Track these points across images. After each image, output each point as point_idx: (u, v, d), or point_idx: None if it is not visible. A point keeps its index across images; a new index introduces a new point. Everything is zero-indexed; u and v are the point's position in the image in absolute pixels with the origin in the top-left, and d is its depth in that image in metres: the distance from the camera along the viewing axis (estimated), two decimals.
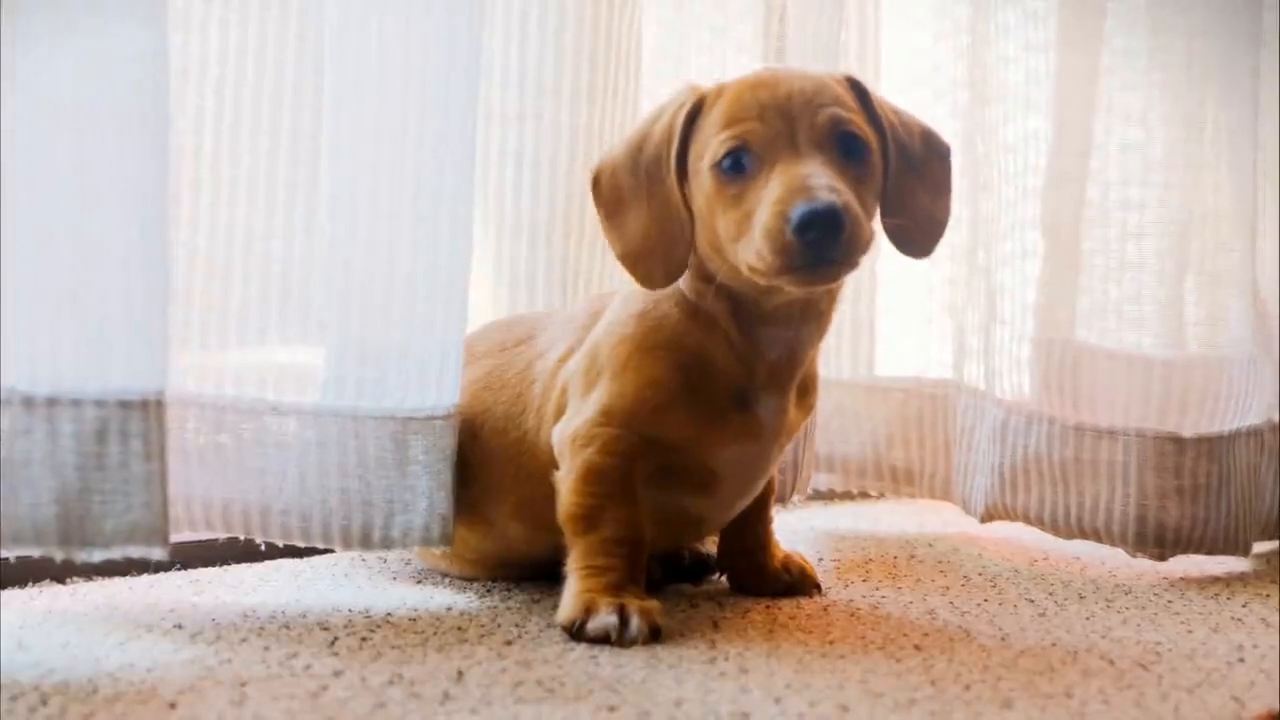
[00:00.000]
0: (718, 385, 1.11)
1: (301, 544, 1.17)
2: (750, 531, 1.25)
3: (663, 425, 1.11)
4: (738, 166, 1.05)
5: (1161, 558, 1.41)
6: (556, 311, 1.30)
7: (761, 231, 1.01)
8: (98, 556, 0.99)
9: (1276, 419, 1.50)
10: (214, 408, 1.14)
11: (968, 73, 1.54)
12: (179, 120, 1.15)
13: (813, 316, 1.12)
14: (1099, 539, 1.42)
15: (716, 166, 1.05)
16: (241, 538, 1.17)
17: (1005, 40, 1.49)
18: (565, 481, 1.12)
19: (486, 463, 1.19)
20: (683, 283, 1.12)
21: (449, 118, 1.15)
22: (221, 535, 1.17)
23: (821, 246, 0.99)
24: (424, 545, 1.17)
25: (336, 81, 1.15)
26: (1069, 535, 1.44)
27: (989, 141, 1.50)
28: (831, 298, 1.14)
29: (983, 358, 1.50)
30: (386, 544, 1.16)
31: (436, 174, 1.15)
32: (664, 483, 1.13)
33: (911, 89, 1.61)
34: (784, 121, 1.05)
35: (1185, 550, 1.41)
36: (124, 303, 0.99)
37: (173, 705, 0.87)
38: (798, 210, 0.99)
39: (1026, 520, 1.46)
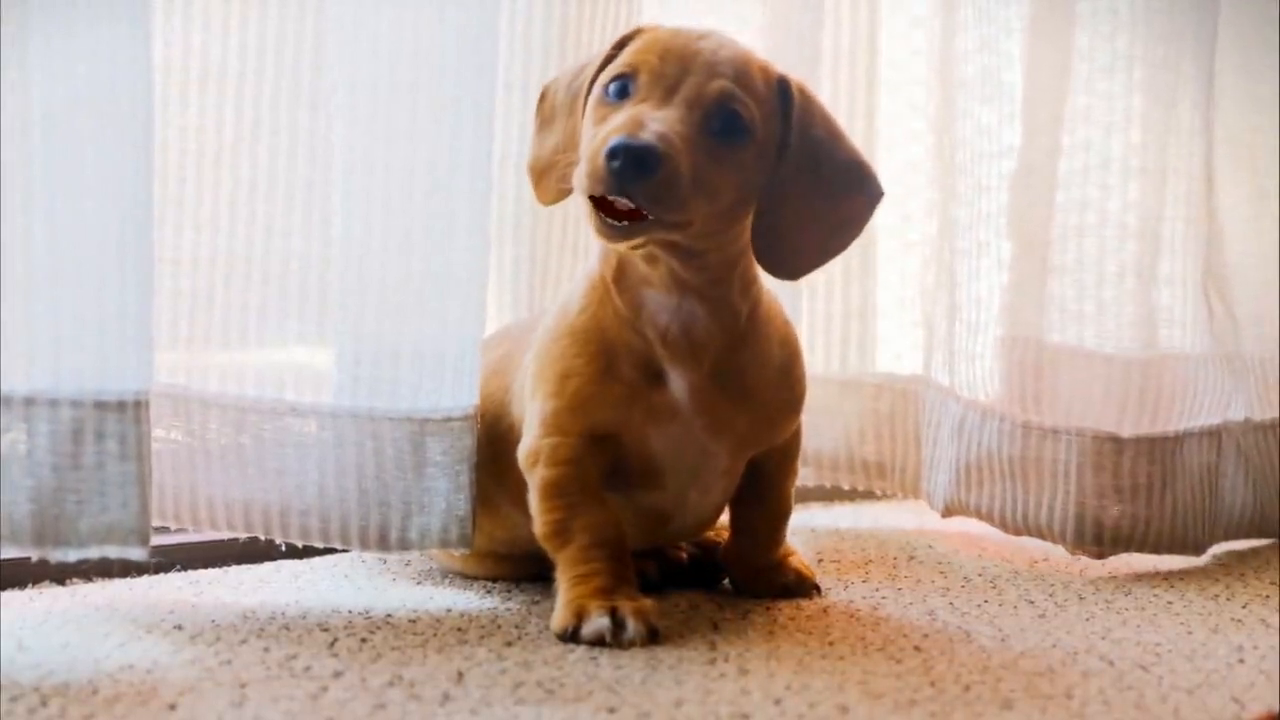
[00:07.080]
0: (623, 359, 1.11)
1: (321, 544, 1.17)
2: (756, 539, 1.23)
3: (591, 415, 1.10)
4: (621, 92, 1.06)
5: (1100, 556, 1.41)
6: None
7: (587, 151, 1.03)
8: (73, 556, 0.99)
9: (1258, 418, 1.50)
10: (236, 408, 1.15)
11: (939, 77, 1.53)
12: (198, 123, 1.15)
13: (692, 289, 1.10)
14: (1042, 536, 1.43)
15: (604, 86, 1.08)
16: (243, 537, 1.17)
17: (982, 47, 1.48)
18: (531, 502, 1.12)
19: (490, 446, 1.19)
20: (597, 258, 1.13)
21: (463, 115, 1.15)
22: (243, 535, 1.18)
23: (624, 180, 1.00)
24: (442, 547, 1.18)
25: (348, 79, 1.15)
26: (1017, 532, 1.44)
27: (962, 147, 1.49)
28: (709, 276, 1.10)
29: (947, 355, 1.50)
30: (404, 545, 1.17)
31: (451, 171, 1.15)
32: (616, 479, 1.13)
33: (907, 86, 1.61)
34: (677, 70, 1.06)
35: (1126, 549, 1.41)
36: (100, 304, 0.99)
37: (173, 706, 0.87)
38: (615, 139, 1.00)
39: (979, 516, 1.46)
